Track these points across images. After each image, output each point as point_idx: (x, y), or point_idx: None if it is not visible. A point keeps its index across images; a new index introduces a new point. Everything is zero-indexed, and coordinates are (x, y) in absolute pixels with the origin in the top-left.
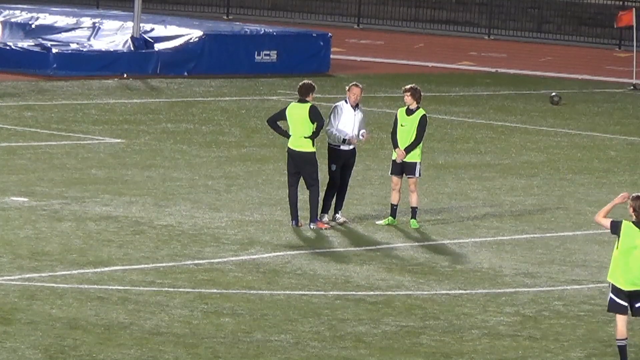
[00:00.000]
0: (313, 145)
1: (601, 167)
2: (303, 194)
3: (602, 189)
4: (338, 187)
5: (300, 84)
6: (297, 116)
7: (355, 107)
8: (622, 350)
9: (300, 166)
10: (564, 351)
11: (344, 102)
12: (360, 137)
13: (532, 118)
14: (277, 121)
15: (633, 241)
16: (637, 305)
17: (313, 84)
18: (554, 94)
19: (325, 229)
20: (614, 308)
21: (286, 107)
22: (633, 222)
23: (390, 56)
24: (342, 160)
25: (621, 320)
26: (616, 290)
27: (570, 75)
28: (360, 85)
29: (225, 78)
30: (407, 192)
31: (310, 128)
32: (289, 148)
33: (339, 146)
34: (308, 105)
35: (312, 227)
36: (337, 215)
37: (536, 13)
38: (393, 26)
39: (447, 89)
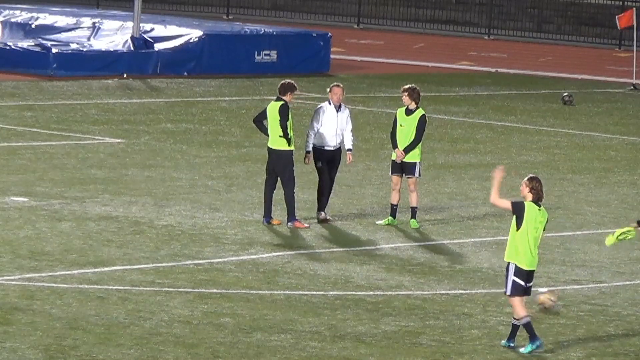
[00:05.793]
0: (289, 144)
1: (601, 167)
2: (304, 194)
3: (602, 189)
4: (329, 183)
5: (281, 82)
6: (272, 114)
7: (339, 107)
8: (529, 327)
9: (275, 164)
10: (564, 351)
11: (327, 103)
12: (347, 157)
13: (532, 118)
14: (262, 120)
15: (535, 221)
16: (529, 285)
17: (293, 84)
18: (565, 93)
19: (305, 228)
20: (518, 291)
21: (267, 106)
22: (533, 202)
23: (390, 56)
24: (325, 158)
25: (520, 300)
26: (519, 272)
27: (570, 75)
28: (341, 85)
29: (225, 78)
30: (407, 192)
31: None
32: (267, 147)
33: (323, 147)
34: (280, 103)
35: (289, 226)
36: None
37: (536, 13)
38: (393, 26)
39: (447, 89)
